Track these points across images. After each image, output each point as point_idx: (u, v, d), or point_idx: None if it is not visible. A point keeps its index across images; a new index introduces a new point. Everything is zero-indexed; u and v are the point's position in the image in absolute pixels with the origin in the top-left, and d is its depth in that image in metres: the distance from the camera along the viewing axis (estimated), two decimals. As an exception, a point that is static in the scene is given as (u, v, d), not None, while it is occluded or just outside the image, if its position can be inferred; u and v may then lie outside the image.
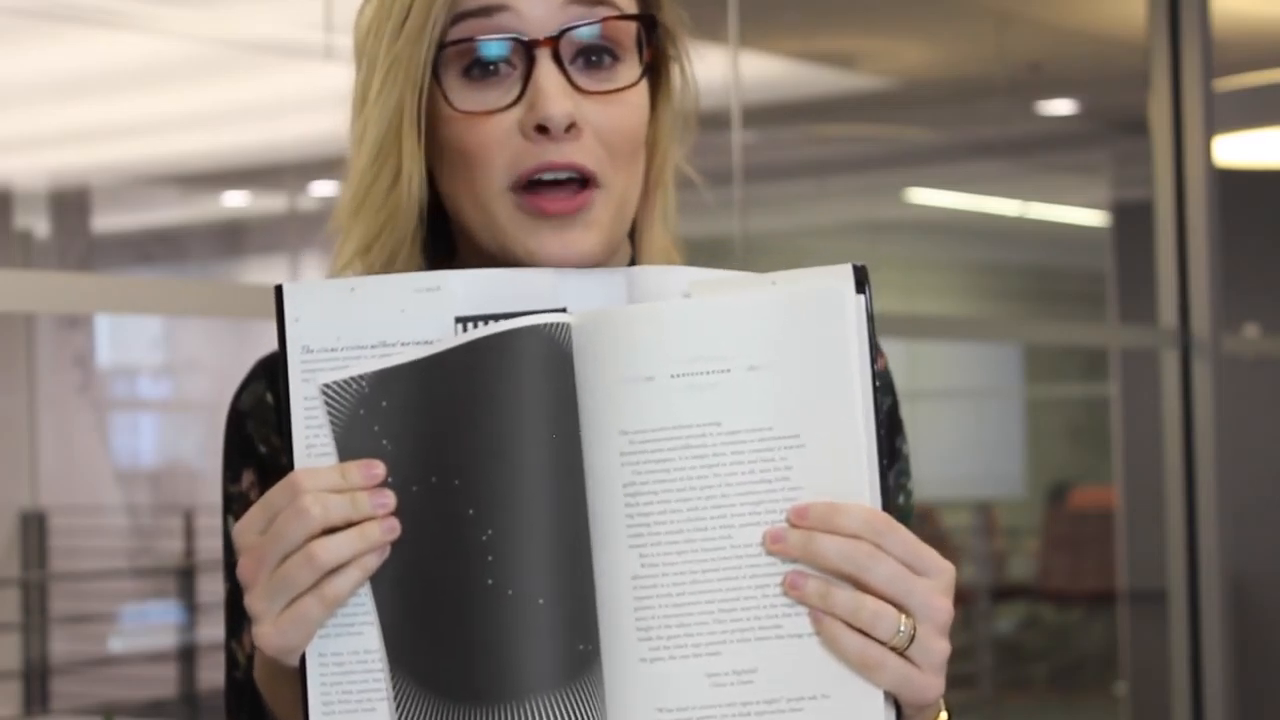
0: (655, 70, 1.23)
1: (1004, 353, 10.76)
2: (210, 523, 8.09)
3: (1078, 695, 9.33)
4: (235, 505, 1.29)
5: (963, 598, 8.52)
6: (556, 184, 1.14)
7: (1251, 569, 5.67)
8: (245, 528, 1.06)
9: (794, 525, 1.03)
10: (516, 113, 1.14)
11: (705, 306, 1.04)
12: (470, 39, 1.15)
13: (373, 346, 1.06)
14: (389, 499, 1.04)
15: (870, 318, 1.04)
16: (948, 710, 1.15)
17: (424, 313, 1.07)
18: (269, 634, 1.04)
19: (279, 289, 1.07)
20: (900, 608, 1.02)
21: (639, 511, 1.04)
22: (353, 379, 1.05)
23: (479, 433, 1.05)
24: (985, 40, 6.67)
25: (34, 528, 8.71)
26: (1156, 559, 4.29)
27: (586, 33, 1.15)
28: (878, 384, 1.05)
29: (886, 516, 1.03)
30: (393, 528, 1.04)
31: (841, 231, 9.68)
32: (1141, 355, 5.87)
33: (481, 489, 1.04)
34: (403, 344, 1.06)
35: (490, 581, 1.04)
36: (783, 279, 1.05)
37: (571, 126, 1.13)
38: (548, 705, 1.05)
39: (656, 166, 1.24)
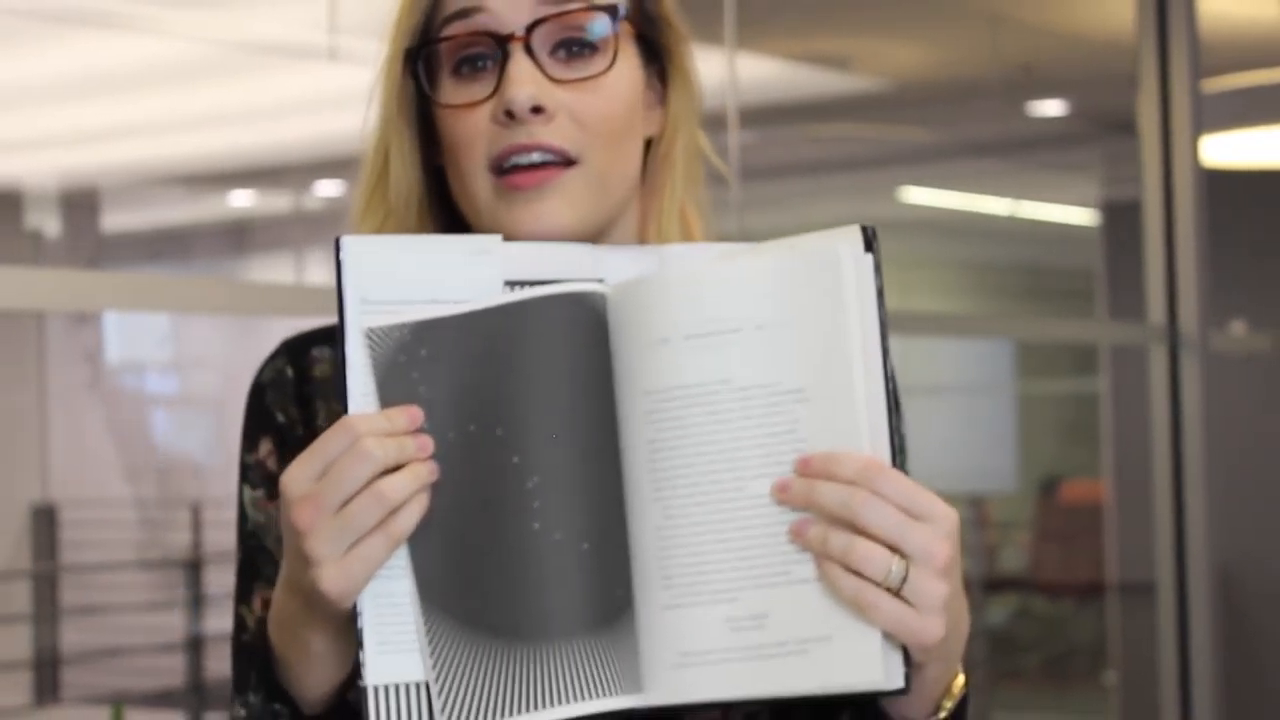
0: (663, 63, 1.28)
1: (996, 349, 10.76)
2: (217, 516, 8.10)
3: (1068, 685, 9.34)
4: (251, 474, 1.30)
5: (955, 589, 8.52)
6: (531, 167, 1.18)
7: (1238, 561, 5.67)
8: (298, 476, 1.06)
9: (800, 474, 1.05)
10: (493, 103, 1.20)
11: (716, 272, 1.08)
12: (452, 38, 1.20)
13: (425, 302, 1.08)
14: (428, 442, 1.06)
15: (878, 274, 1.06)
16: (967, 678, 1.15)
17: (476, 273, 1.09)
18: (332, 576, 1.04)
19: (338, 240, 1.08)
20: (897, 550, 1.03)
21: (661, 466, 1.07)
22: (395, 326, 1.06)
23: (522, 387, 1.07)
24: (977, 42, 6.67)
25: (44, 521, 8.71)
26: (1145, 551, 4.30)
27: (556, 25, 1.20)
28: (886, 337, 1.06)
29: (881, 463, 1.04)
30: (434, 469, 1.06)
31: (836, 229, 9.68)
32: (1130, 351, 5.87)
33: (525, 439, 1.07)
34: (454, 301, 1.09)
35: (536, 526, 1.06)
36: (799, 243, 1.08)
37: (539, 110, 1.18)
38: (586, 647, 1.07)
39: (663, 153, 1.28)
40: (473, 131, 1.20)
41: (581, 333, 1.09)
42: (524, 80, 1.18)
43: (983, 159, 8.78)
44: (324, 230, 9.05)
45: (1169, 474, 4.19)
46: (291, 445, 1.27)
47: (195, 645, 7.20)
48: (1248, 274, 4.79)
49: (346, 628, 1.09)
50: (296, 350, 1.31)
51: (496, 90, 1.19)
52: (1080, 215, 9.27)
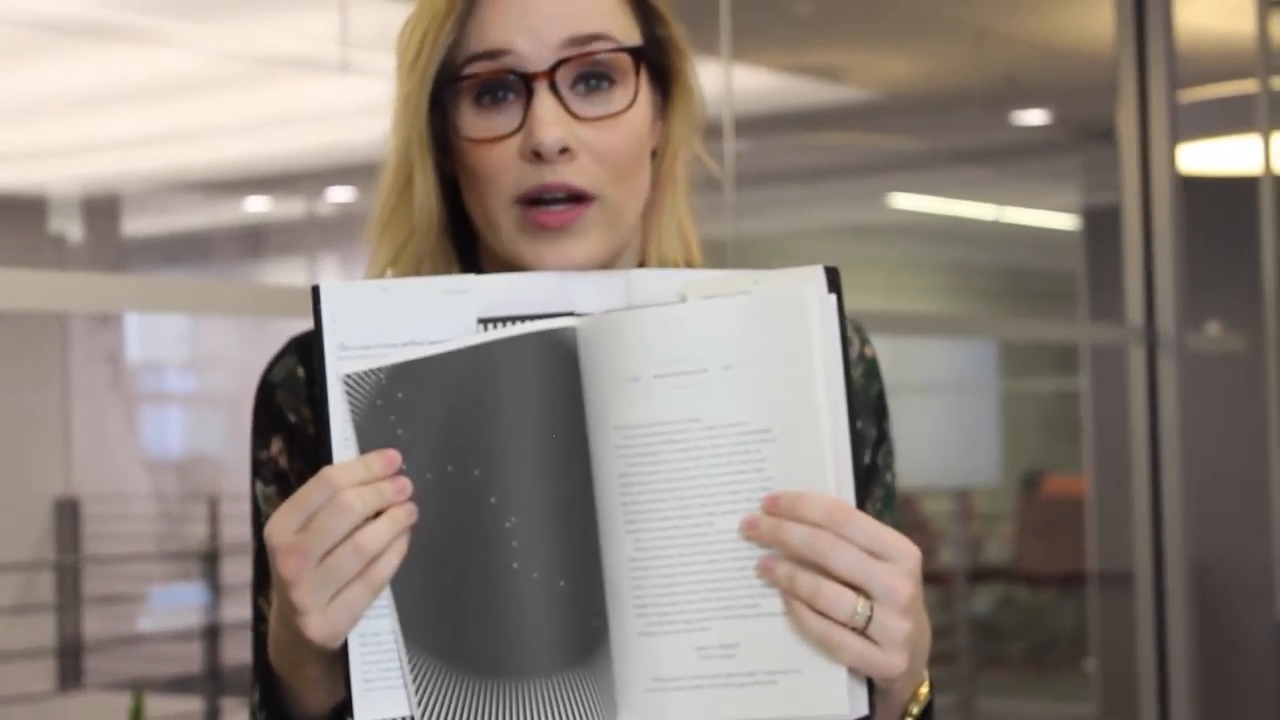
0: (666, 81, 1.27)
1: (980, 349, 10.76)
2: (233, 509, 8.09)
3: (1050, 671, 9.33)
4: (264, 470, 1.30)
5: (941, 579, 8.52)
6: (555, 200, 1.18)
7: (1213, 552, 5.67)
8: (281, 527, 1.06)
9: (767, 513, 1.04)
10: (518, 138, 1.19)
11: (685, 311, 1.07)
12: (477, 75, 1.19)
13: (403, 345, 1.08)
14: (406, 485, 1.06)
15: (842, 316, 1.05)
16: (930, 684, 1.16)
17: (450, 313, 1.08)
18: (319, 623, 1.05)
19: (316, 289, 1.07)
20: (862, 590, 1.03)
21: (632, 500, 1.07)
22: (371, 371, 1.06)
23: (497, 426, 1.06)
24: (963, 54, 6.66)
25: (68, 514, 8.71)
26: (1124, 543, 4.30)
27: (580, 65, 1.19)
28: (853, 375, 1.06)
29: (847, 506, 1.03)
30: (411, 511, 1.06)
31: (828, 234, 9.68)
32: (1110, 351, 5.87)
33: (502, 479, 1.06)
34: (430, 342, 1.08)
35: (515, 565, 1.06)
36: (764, 279, 1.07)
37: (565, 150, 1.18)
38: (565, 681, 1.07)
39: (665, 169, 1.28)
40: (497, 165, 1.19)
41: (552, 370, 1.08)
42: (551, 122, 1.17)
43: (968, 166, 8.77)
44: (336, 235, 9.05)
45: (1147, 469, 4.19)
46: (302, 444, 1.28)
47: (212, 633, 7.20)
48: (1222, 276, 4.78)
49: (338, 659, 1.10)
50: (307, 348, 1.29)
51: (522, 126, 1.18)
52: (1062, 220, 9.26)
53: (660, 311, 1.07)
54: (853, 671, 1.04)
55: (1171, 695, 4.20)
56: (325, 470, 1.06)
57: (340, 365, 1.06)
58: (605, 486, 1.08)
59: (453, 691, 1.06)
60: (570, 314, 1.11)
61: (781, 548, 1.04)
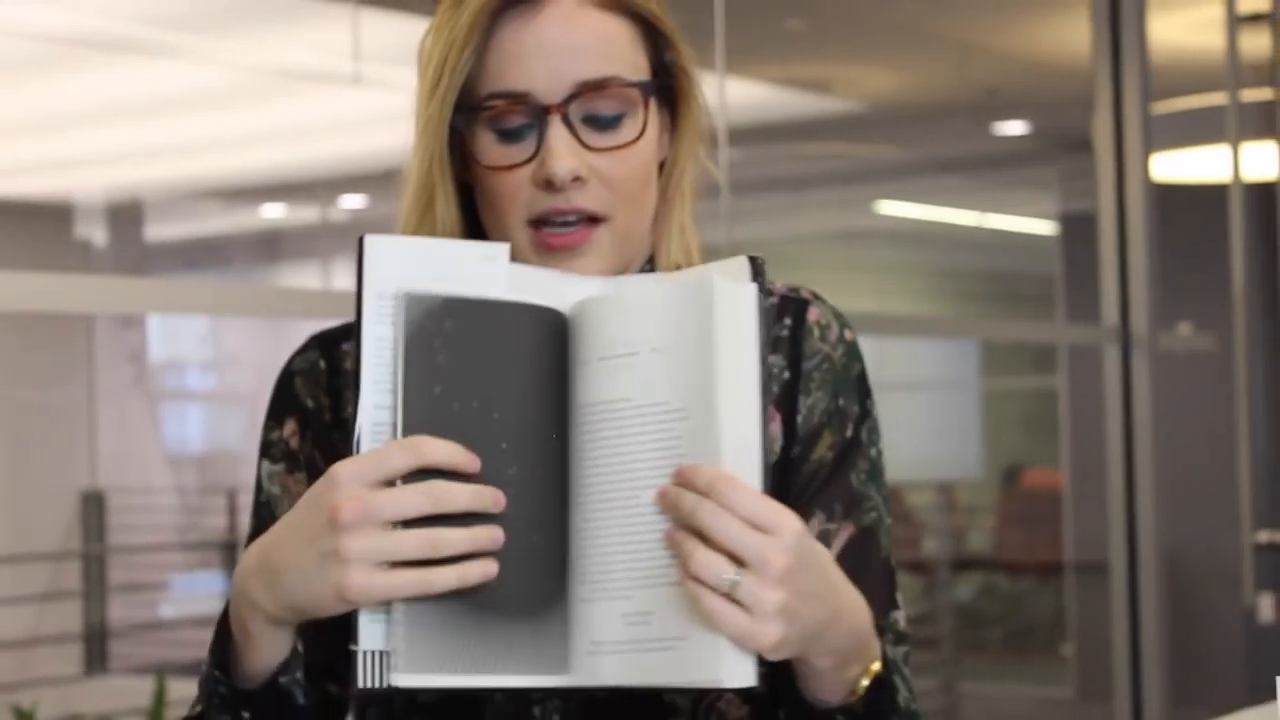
0: (674, 99, 1.29)
1: (963, 348, 10.76)
2: (250, 502, 8.09)
3: (1029, 656, 9.34)
4: (273, 450, 1.30)
5: (925, 568, 8.53)
6: (565, 223, 1.20)
7: (1184, 543, 5.67)
8: (354, 473, 1.02)
9: (672, 484, 1.05)
10: (532, 166, 1.20)
11: (623, 299, 1.09)
12: (495, 107, 1.21)
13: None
14: (502, 499, 1.05)
15: (761, 303, 1.06)
16: (885, 662, 1.15)
17: (482, 276, 1.09)
18: (357, 582, 1.01)
19: (362, 239, 1.07)
20: (739, 559, 1.02)
21: (581, 473, 1.09)
22: (428, 295, 1.06)
23: (518, 380, 1.08)
24: (946, 68, 6.67)
25: (93, 506, 8.71)
26: (1099, 534, 4.30)
27: (592, 99, 1.21)
28: (768, 360, 1.07)
29: (729, 477, 1.02)
30: (497, 538, 1.05)
31: (818, 240, 9.68)
32: (1086, 350, 5.87)
33: (515, 428, 1.07)
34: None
35: (509, 511, 1.06)
36: (695, 270, 1.10)
37: (577, 179, 1.20)
38: (528, 627, 1.08)
39: (673, 183, 1.30)
40: (512, 190, 1.21)
41: (557, 344, 1.10)
42: (564, 154, 1.19)
43: (951, 174, 8.78)
44: (348, 240, 9.01)
45: (1121, 463, 4.19)
46: (316, 429, 1.28)
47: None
48: (1193, 279, 4.78)
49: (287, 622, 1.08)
50: (328, 343, 1.31)
51: (536, 155, 1.20)
52: (1040, 226, 9.27)
53: (606, 300, 1.10)
54: (737, 643, 1.03)
55: (1144, 678, 4.20)
56: (418, 440, 1.03)
57: (381, 313, 1.06)
58: (571, 461, 1.10)
59: (433, 616, 1.05)
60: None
61: (678, 518, 1.04)
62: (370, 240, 1.08)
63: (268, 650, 1.13)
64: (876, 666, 1.13)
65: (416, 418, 1.04)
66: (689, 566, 1.02)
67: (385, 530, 1.02)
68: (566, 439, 1.10)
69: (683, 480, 1.04)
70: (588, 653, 1.09)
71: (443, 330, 1.06)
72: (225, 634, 1.16)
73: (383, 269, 1.07)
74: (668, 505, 1.05)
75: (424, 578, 1.03)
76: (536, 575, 1.08)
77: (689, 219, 1.31)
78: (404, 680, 1.04)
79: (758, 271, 1.08)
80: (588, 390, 1.09)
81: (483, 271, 1.10)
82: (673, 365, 1.05)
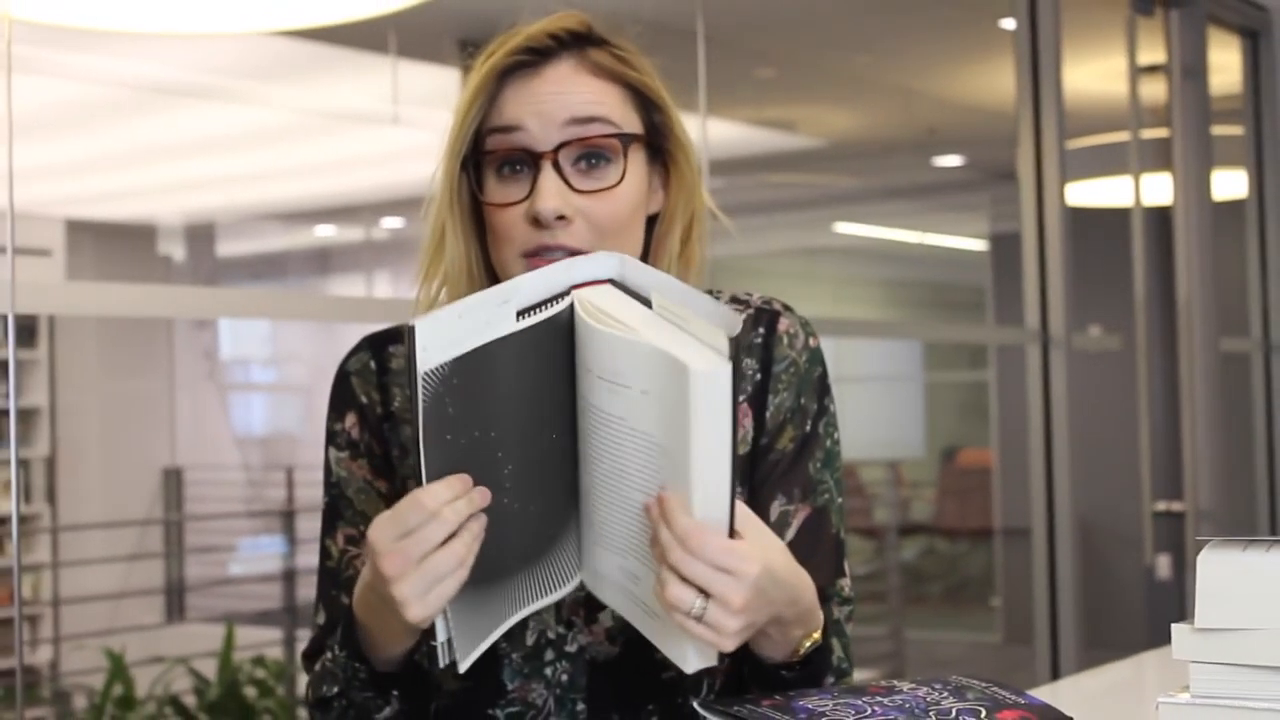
0: (664, 157, 1.27)
1: (908, 347, 10.77)
2: (306, 477, 8.08)
3: (963, 607, 9.35)
4: (338, 439, 1.31)
5: (876, 533, 8.53)
6: (554, 259, 1.17)
7: (1094, 511, 5.68)
8: (382, 536, 1.04)
9: (656, 505, 1.04)
10: (526, 205, 1.20)
11: (624, 339, 1.04)
12: (496, 151, 1.21)
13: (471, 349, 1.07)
14: (487, 495, 1.05)
15: (735, 381, 0.99)
16: (825, 630, 1.16)
17: (500, 319, 1.07)
18: (419, 611, 1.04)
19: (412, 329, 1.02)
20: (705, 591, 1.02)
21: (588, 449, 1.09)
22: (439, 366, 1.04)
23: (507, 397, 1.07)
24: (893, 109, 6.67)
25: (173, 480, 8.71)
26: (1023, 504, 4.30)
27: (579, 144, 1.20)
28: (737, 430, 1.02)
29: (700, 532, 1.01)
30: (482, 522, 1.05)
31: (785, 255, 9.68)
32: (1012, 349, 5.88)
33: (508, 438, 1.07)
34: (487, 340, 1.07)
35: (505, 500, 1.08)
36: (694, 321, 1.04)
37: (562, 218, 1.19)
38: (539, 565, 1.12)
39: (663, 232, 1.28)
40: (509, 225, 1.21)
41: (552, 342, 1.08)
42: (550, 195, 1.18)
43: (898, 200, 8.78)
44: (389, 255, 9.03)
45: (1041, 444, 4.19)
46: (371, 421, 1.29)
47: (289, 576, 7.19)
48: (1102, 288, 4.78)
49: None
50: (377, 345, 1.32)
51: (530, 195, 1.19)
52: (973, 244, 9.27)
53: (609, 335, 1.05)
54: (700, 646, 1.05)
55: (1060, 626, 4.20)
56: (418, 492, 1.04)
57: (425, 373, 1.04)
58: (579, 436, 1.10)
59: (466, 604, 1.08)
60: (574, 286, 1.10)
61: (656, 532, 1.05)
62: (420, 325, 1.03)
63: (406, 638, 1.16)
64: (818, 635, 1.15)
65: (434, 468, 1.04)
66: (664, 594, 1.02)
67: (421, 565, 1.03)
68: (570, 419, 1.09)
69: (663, 513, 1.02)
70: (593, 574, 1.13)
71: (451, 388, 1.04)
72: (351, 633, 1.18)
73: (424, 343, 1.03)
74: (651, 520, 1.04)
75: (458, 575, 1.05)
76: (540, 530, 1.11)
77: (697, 254, 1.30)
78: (463, 655, 1.09)
79: (733, 352, 0.99)
80: (592, 394, 1.07)
81: (500, 314, 1.07)
82: (658, 410, 1.02)
